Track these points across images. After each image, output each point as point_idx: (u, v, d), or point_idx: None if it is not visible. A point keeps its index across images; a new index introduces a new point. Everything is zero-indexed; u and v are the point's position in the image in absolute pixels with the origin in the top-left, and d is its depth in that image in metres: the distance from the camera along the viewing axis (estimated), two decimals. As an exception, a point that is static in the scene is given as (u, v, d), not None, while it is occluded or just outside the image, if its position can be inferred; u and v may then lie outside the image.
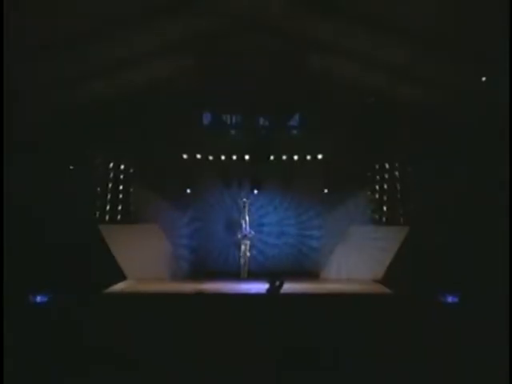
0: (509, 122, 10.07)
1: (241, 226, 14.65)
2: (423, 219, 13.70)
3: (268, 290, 10.25)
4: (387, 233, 14.73)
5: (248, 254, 14.48)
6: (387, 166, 15.40)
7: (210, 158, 15.44)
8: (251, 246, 14.73)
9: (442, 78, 11.60)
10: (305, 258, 15.79)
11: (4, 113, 9.32)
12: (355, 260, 14.92)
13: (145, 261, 14.30)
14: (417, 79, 12.25)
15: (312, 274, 15.34)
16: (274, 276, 10.55)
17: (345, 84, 13.77)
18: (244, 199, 15.00)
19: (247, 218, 14.67)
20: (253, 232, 14.71)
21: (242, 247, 14.54)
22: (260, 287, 11.30)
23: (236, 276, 14.48)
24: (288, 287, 11.12)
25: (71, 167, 13.63)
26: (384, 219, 15.46)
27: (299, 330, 7.54)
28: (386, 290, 12.58)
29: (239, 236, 14.64)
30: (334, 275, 15.00)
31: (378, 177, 15.52)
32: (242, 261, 14.51)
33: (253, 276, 14.13)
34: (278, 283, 10.11)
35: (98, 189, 14.71)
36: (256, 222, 15.43)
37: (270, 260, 15.64)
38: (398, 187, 15.15)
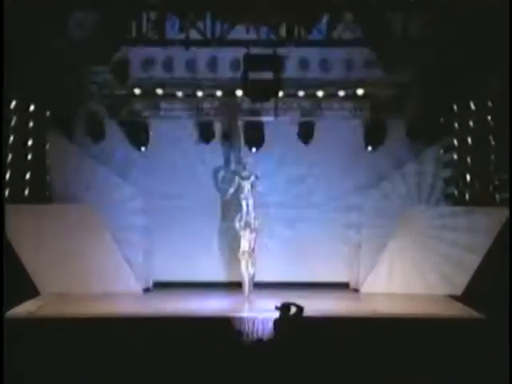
0: (509, 121, 11.78)
1: (240, 208, 14.21)
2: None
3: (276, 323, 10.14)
4: (473, 219, 14.29)
5: (251, 258, 13.93)
6: (473, 105, 14.73)
7: (179, 93, 14.79)
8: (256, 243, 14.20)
9: None
10: (336, 260, 15.45)
11: None
12: (418, 264, 14.61)
13: (69, 266, 14.06)
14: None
15: (348, 286, 15.39)
16: (285, 301, 10.20)
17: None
18: (246, 160, 14.63)
19: (251, 195, 14.34)
20: (260, 219, 14.24)
21: (243, 244, 14.08)
22: (263, 308, 11.61)
23: (225, 289, 14.44)
24: (311, 308, 10.73)
25: None
26: (467, 196, 15.04)
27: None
28: (473, 313, 12.29)
29: (237, 225, 14.17)
30: (383, 288, 14.67)
31: (457, 124, 15.06)
32: (244, 265, 14.01)
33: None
34: (293, 310, 9.87)
35: (-9, 145, 13.94)
36: (256, 203, 14.89)
37: (278, 263, 15.29)
38: (492, 142, 14.52)
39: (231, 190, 14.87)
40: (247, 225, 14.17)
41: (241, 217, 14.22)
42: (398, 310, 12.39)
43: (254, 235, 14.19)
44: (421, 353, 9.29)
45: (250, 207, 14.26)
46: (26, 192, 14.52)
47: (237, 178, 14.54)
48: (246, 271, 14.16)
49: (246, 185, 14.36)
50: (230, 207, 14.98)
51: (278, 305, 10.01)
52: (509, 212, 13.28)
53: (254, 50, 14.08)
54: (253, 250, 14.17)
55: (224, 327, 11.14)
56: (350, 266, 15.42)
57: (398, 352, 9.35)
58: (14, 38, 12.48)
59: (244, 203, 14.28)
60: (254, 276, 14.20)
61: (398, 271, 14.67)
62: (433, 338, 9.93)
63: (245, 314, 12.27)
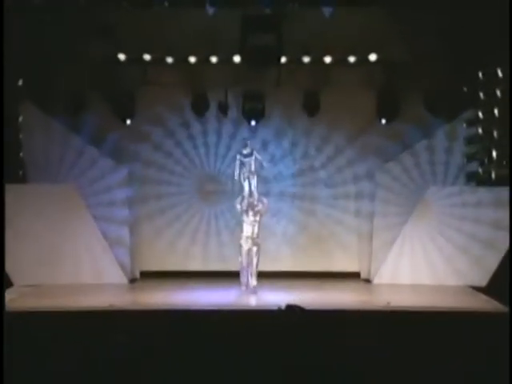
0: (509, 117, 12.60)
1: (242, 189, 13.97)
2: None
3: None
4: (499, 202, 14.06)
5: (255, 245, 13.44)
6: (500, 73, 14.40)
7: (169, 59, 14.66)
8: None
9: None
10: (343, 247, 15.47)
11: None
12: (436, 252, 14.51)
13: (45, 254, 14.08)
14: None
15: (357, 276, 15.30)
16: (289, 303, 9.65)
17: None
18: (246, 139, 14.32)
19: (254, 175, 14.05)
20: (265, 200, 13.88)
21: (246, 229, 13.67)
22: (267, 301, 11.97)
23: (223, 280, 14.19)
24: (315, 301, 11.25)
25: None
26: (493, 175, 14.77)
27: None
28: (499, 306, 12.08)
29: (239, 207, 13.80)
30: (396, 278, 14.63)
31: (482, 94, 14.75)
32: (245, 253, 13.59)
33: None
34: (294, 312, 9.49)
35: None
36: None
37: (277, 250, 15.27)
38: (523, 114, 14.03)
39: (236, 172, 14.45)
40: (250, 207, 13.78)
41: (243, 198, 13.85)
42: (413, 303, 12.23)
43: (257, 218, 13.79)
44: (441, 349, 8.42)
45: (253, 188, 13.93)
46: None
47: (238, 156, 14.26)
48: (248, 259, 13.76)
49: (248, 163, 14.08)
50: (230, 187, 14.87)
51: (282, 306, 9.54)
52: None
53: (254, 11, 14.21)
54: (257, 235, 13.76)
55: (223, 322, 10.31)
56: (358, 254, 15.42)
57: (416, 349, 8.48)
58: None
59: (246, 183, 13.98)
60: (257, 265, 13.82)
61: (414, 259, 14.57)
62: (453, 332, 9.22)
63: (247, 307, 12.35)
